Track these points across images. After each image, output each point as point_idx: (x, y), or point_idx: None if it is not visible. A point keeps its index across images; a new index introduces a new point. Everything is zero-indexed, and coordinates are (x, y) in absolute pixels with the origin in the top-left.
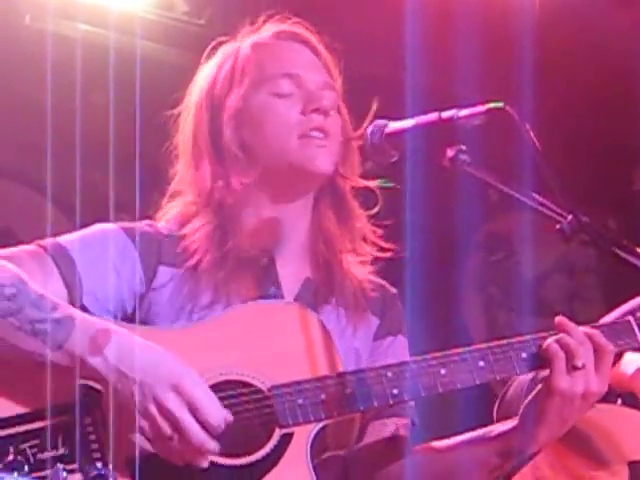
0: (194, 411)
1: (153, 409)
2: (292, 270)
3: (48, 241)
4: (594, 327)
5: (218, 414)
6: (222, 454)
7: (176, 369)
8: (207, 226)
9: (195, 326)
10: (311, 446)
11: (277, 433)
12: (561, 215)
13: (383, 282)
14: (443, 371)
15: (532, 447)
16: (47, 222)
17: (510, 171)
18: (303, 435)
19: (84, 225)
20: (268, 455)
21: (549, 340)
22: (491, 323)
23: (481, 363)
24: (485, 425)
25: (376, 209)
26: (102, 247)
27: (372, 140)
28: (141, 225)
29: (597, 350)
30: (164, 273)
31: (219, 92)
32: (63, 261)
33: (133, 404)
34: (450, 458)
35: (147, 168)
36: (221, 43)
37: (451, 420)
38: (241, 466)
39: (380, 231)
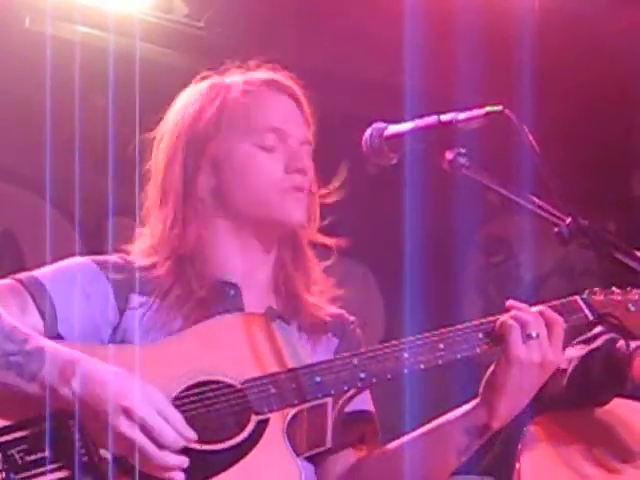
0: (146, 431)
1: (111, 434)
2: (256, 300)
3: (23, 275)
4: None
5: (170, 433)
6: (202, 442)
7: (127, 393)
8: (168, 262)
9: (164, 341)
10: (288, 431)
11: (253, 419)
12: (560, 218)
13: (342, 311)
14: (406, 355)
15: (496, 421)
16: (47, 225)
17: (509, 174)
18: (278, 419)
19: (83, 227)
20: (245, 440)
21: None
22: None
23: (441, 345)
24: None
25: (329, 262)
26: (75, 277)
27: (371, 143)
28: (113, 258)
29: (548, 323)
30: (135, 300)
31: (202, 133)
32: (38, 293)
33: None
34: (418, 446)
35: (147, 170)
36: (206, 77)
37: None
38: (219, 450)
39: (331, 281)
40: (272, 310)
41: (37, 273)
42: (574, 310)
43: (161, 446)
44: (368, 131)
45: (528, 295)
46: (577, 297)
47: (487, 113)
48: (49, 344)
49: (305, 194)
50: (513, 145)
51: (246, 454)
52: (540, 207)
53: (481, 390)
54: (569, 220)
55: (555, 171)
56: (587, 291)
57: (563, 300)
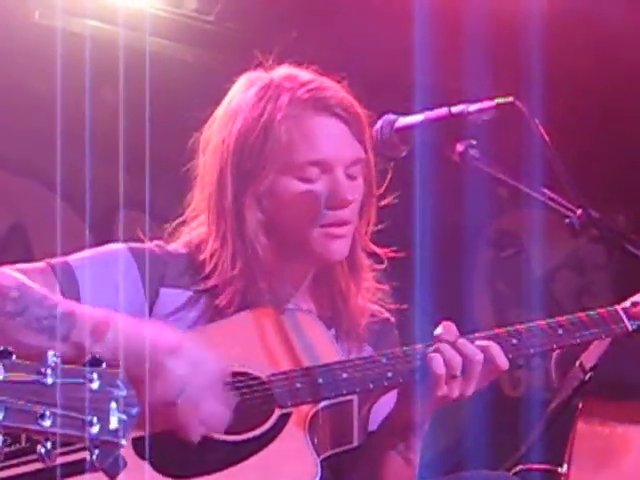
0: (195, 365)
1: (155, 378)
2: (295, 303)
3: (58, 260)
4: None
5: (218, 367)
6: (225, 432)
7: (169, 339)
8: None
9: (196, 330)
10: (310, 426)
11: (277, 412)
12: (570, 210)
13: (383, 311)
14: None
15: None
16: (56, 218)
17: (520, 166)
18: (301, 413)
19: (93, 222)
20: (268, 431)
21: (432, 352)
22: (500, 319)
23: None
24: (498, 430)
25: (383, 266)
26: (107, 269)
27: (382, 135)
28: (150, 246)
29: (467, 360)
30: (166, 294)
31: (246, 164)
32: (67, 282)
33: (137, 381)
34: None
35: (157, 164)
36: (245, 70)
37: (461, 422)
38: (242, 441)
39: (386, 289)
40: (310, 313)
41: (71, 259)
42: (615, 320)
43: (208, 384)
44: (379, 123)
45: (538, 288)
46: (617, 307)
47: (498, 105)
48: (80, 307)
49: (349, 226)
50: (524, 137)
51: (265, 446)
52: (551, 199)
53: (395, 404)
54: (580, 212)
55: (565, 163)
56: (629, 301)
57: (603, 310)
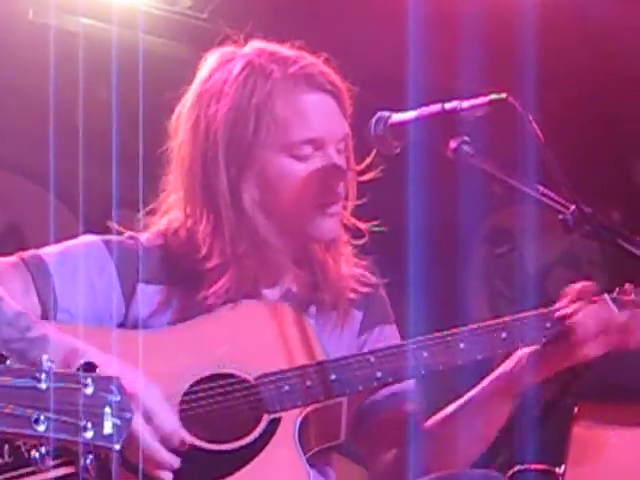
0: (147, 419)
1: None
2: (281, 283)
3: (30, 253)
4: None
5: (170, 423)
6: (212, 441)
7: (130, 380)
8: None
9: (176, 328)
10: (299, 430)
11: (265, 419)
12: (564, 206)
13: (366, 273)
14: (425, 354)
15: (530, 385)
16: (51, 217)
17: (513, 162)
18: (290, 419)
19: (87, 219)
20: (257, 439)
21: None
22: (495, 315)
23: (462, 345)
24: None
25: (362, 241)
26: (81, 262)
27: (375, 131)
28: (123, 238)
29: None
30: (143, 291)
31: (241, 143)
32: (40, 277)
33: None
34: (462, 416)
35: (150, 162)
36: (225, 39)
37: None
38: (231, 450)
39: (364, 263)
40: (290, 293)
41: (43, 253)
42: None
43: (160, 437)
44: (373, 119)
45: (533, 285)
46: (606, 295)
47: (491, 101)
48: (53, 332)
49: (340, 205)
50: (517, 133)
51: (255, 456)
52: (544, 195)
53: (526, 360)
54: (573, 208)
55: (559, 160)
56: (617, 290)
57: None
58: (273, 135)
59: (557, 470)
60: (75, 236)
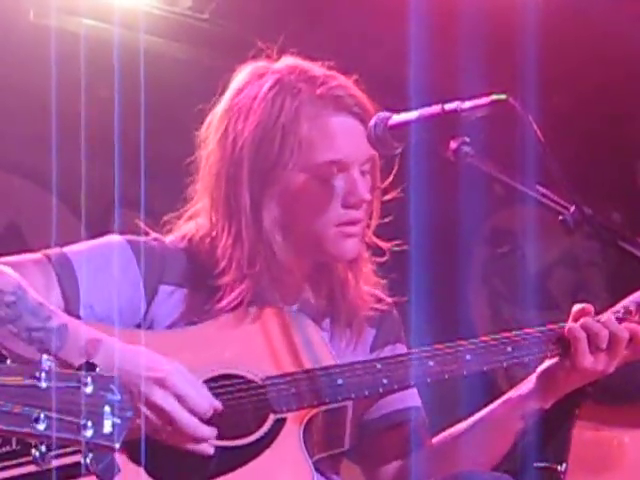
0: (181, 401)
1: (143, 406)
2: (297, 296)
3: (54, 251)
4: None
5: (204, 401)
6: (218, 438)
7: (159, 366)
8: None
9: (186, 329)
10: (304, 432)
11: (271, 418)
12: (564, 207)
13: (381, 294)
14: (431, 363)
15: (543, 408)
16: (52, 218)
17: (514, 163)
18: (296, 419)
19: (89, 220)
20: (262, 438)
21: (568, 324)
22: (496, 316)
23: (468, 356)
24: None
25: (384, 259)
26: (105, 261)
27: (375, 132)
28: (148, 239)
29: (612, 335)
30: (164, 292)
31: (265, 162)
32: (64, 273)
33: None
34: (475, 433)
35: (153, 162)
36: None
37: (457, 415)
38: (236, 447)
39: (383, 282)
40: (307, 303)
41: (68, 250)
42: None
43: (195, 414)
44: (372, 121)
45: (534, 285)
46: (611, 315)
47: (492, 102)
48: (73, 322)
49: (360, 226)
50: (518, 134)
51: (260, 453)
52: (544, 196)
53: (535, 381)
54: (573, 209)
55: (560, 160)
56: (622, 310)
57: (598, 317)
58: (297, 155)
59: (559, 468)
60: (76, 235)
